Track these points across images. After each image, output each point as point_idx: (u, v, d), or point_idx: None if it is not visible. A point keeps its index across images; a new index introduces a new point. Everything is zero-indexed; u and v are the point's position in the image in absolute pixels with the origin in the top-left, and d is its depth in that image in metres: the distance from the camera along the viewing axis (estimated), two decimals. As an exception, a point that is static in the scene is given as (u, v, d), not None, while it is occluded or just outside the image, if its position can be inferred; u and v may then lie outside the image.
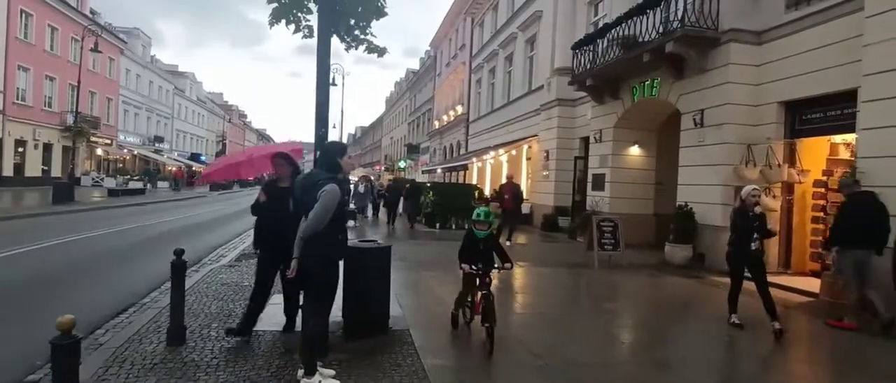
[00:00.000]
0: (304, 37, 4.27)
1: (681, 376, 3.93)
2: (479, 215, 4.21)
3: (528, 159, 18.29)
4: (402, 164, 44.60)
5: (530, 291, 7.05)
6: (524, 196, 16.89)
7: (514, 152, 18.80)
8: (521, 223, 15.22)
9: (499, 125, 21.18)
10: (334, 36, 4.23)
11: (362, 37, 4.36)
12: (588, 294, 7.28)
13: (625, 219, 10.20)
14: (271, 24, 4.27)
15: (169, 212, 17.53)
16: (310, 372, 3.18)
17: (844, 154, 7.55)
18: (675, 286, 7.50)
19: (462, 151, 27.01)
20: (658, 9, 9.39)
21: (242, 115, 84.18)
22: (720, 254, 8.28)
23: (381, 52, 4.43)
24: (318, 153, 3.86)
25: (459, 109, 28.18)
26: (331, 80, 24.84)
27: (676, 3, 9.00)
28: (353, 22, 4.24)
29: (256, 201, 4.18)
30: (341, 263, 4.22)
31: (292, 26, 4.28)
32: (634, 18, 10.11)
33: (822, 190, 7.74)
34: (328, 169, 3.41)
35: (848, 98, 6.56)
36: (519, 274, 8.06)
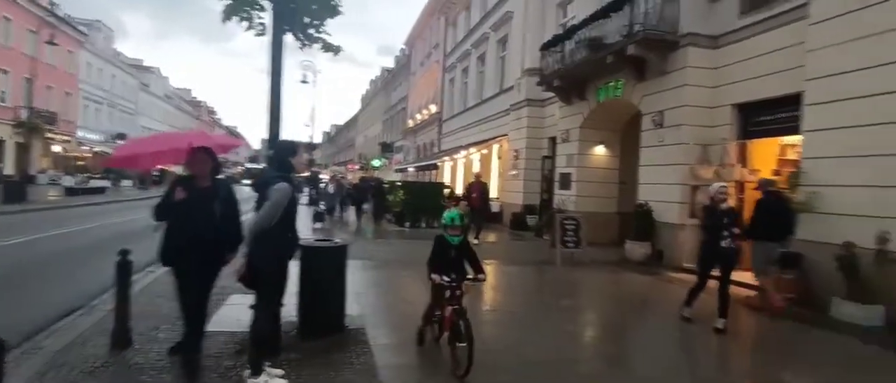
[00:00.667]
0: (258, 34, 4.23)
1: (632, 371, 4.06)
2: (452, 220, 3.74)
3: (499, 158, 18.46)
4: (376, 163, 44.28)
5: (494, 289, 7.14)
6: (494, 195, 17.13)
7: (485, 151, 18.94)
8: (490, 221, 15.37)
9: (471, 124, 21.31)
10: (289, 34, 4.20)
11: (317, 35, 4.35)
12: (548, 291, 7.42)
13: (590, 217, 10.45)
14: (224, 20, 4.21)
15: (131, 211, 16.97)
16: (256, 373, 3.16)
17: (792, 155, 7.91)
18: (632, 282, 7.72)
19: (435, 150, 27.04)
20: (622, 12, 9.63)
21: (212, 112, 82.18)
22: (677, 250, 8.64)
23: (336, 50, 4.41)
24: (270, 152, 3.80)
25: (433, 108, 28.20)
26: (303, 79, 24.23)
27: (638, 6, 9.24)
28: (307, 20, 4.22)
29: (165, 201, 3.33)
30: (297, 263, 4.25)
31: (245, 23, 4.22)
32: (600, 21, 10.35)
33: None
34: (279, 168, 3.40)
35: (794, 101, 6.87)
36: (490, 272, 8.15)
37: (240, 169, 55.91)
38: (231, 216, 3.40)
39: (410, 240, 11.97)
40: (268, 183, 3.24)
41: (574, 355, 4.32)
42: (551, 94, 13.25)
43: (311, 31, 4.28)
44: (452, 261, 3.70)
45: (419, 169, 27.24)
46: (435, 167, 24.58)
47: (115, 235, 10.77)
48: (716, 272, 5.12)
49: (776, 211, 5.81)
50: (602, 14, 10.27)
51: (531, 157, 15.08)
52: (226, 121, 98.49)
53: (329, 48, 4.42)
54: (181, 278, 3.33)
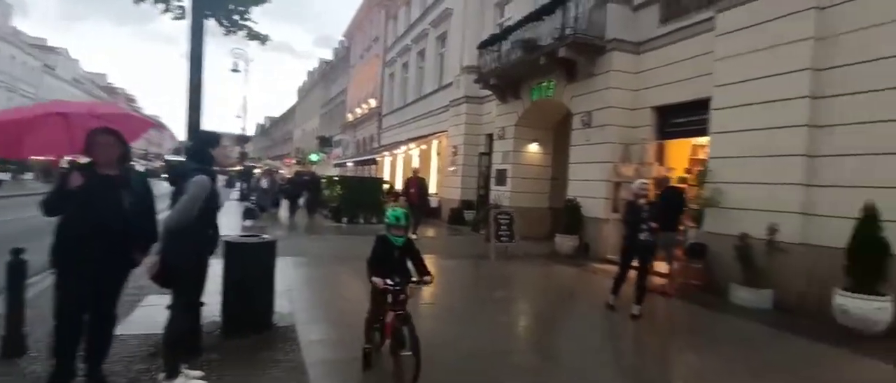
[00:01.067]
0: (176, 18, 3.99)
1: (558, 359, 4.28)
2: (397, 218, 3.43)
3: (438, 154, 18.60)
4: (314, 157, 43.01)
5: (431, 284, 7.22)
6: (433, 190, 17.26)
7: (424, 147, 19.00)
8: (428, 217, 15.46)
9: (410, 120, 21.29)
10: (212, 19, 4.00)
11: (242, 22, 4.17)
12: (482, 285, 7.60)
13: (524, 212, 10.84)
14: (137, 0, 3.92)
15: (31, 207, 15.33)
16: (171, 375, 3.01)
17: (701, 154, 8.63)
18: (561, 274, 8.10)
19: (375, 145, 26.74)
20: (554, 15, 10.04)
21: (130, 99, 75.92)
22: (603, 243, 9.17)
23: (264, 39, 4.26)
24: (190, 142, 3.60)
25: (373, 102, 27.85)
26: (234, 67, 23.02)
27: (570, 11, 9.67)
28: (231, 6, 4.04)
29: (57, 191, 2.81)
30: (220, 260, 4.08)
31: (162, 6, 3.96)
32: (534, 23, 10.72)
33: (684, 185, 8.78)
34: (199, 160, 3.24)
35: (704, 106, 7.48)
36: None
37: (160, 163, 50.48)
38: (144, 211, 3.03)
39: (347, 235, 11.79)
40: (186, 175, 3.08)
41: (507, 346, 4.42)
42: (489, 92, 13.54)
43: (236, 17, 4.10)
44: (396, 262, 3.42)
45: (358, 164, 26.83)
46: (374, 162, 24.33)
47: (10, 235, 9.71)
48: (636, 263, 5.50)
49: (674, 204, 6.52)
50: (536, 16, 10.65)
51: (469, 154, 15.34)
52: (148, 110, 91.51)
53: (256, 37, 4.25)
54: (74, 278, 2.76)
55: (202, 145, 3.31)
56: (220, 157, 3.40)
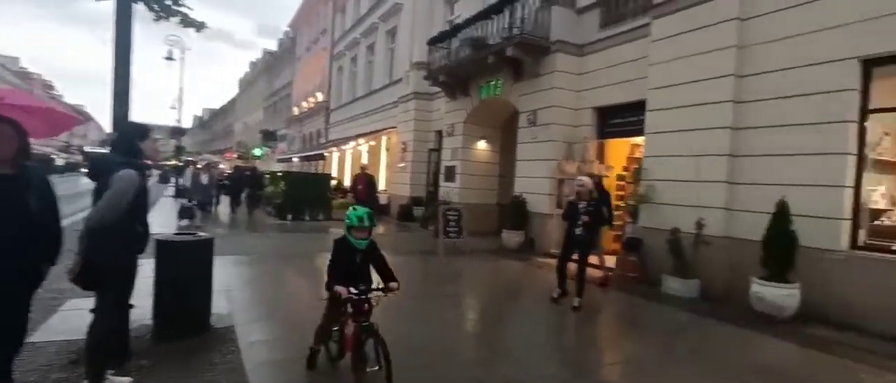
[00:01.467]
0: (100, -1, 3.70)
1: (503, 350, 4.38)
2: (360, 219, 3.10)
3: (387, 150, 18.44)
4: (257, 152, 41.36)
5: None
6: (382, 187, 17.12)
7: (373, 143, 18.80)
8: (377, 214, 15.25)
9: (359, 115, 20.97)
10: (141, 3, 3.74)
11: (175, 8, 3.93)
12: (431, 280, 7.65)
13: (472, 208, 10.98)
14: (55, -21, 3.59)
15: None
16: (96, 382, 2.82)
17: (638, 154, 9.12)
18: (506, 268, 8.30)
19: (322, 140, 26.11)
20: (502, 15, 10.22)
21: (48, 86, 69.61)
22: (547, 238, 9.46)
23: (199, 26, 4.03)
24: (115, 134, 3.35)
25: (320, 96, 27.15)
26: (168, 55, 21.69)
27: (517, 11, 9.87)
28: (163, -10, 3.79)
29: None
30: (152, 260, 3.85)
31: (84, -15, 3.65)
32: (483, 21, 10.86)
33: (623, 183, 9.27)
34: (125, 153, 3.04)
35: (640, 107, 7.89)
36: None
37: (79, 157, 45.79)
38: (45, 211, 2.59)
39: (292, 233, 11.45)
40: (110, 169, 2.88)
41: (454, 340, 4.50)
42: (438, 89, 13.58)
43: (169, 2, 3.86)
44: (358, 268, 3.14)
45: (305, 159, 26.09)
46: (322, 157, 23.75)
47: None
48: (575, 256, 5.76)
49: (605, 201, 6.94)
50: (484, 15, 10.79)
51: (419, 150, 15.33)
52: (69, 99, 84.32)
53: (191, 24, 4.00)
54: None
55: (129, 137, 3.11)
56: (150, 151, 3.21)
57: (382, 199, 16.51)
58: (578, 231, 5.64)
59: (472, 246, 9.48)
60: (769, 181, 5.87)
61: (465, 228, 9.43)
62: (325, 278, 3.17)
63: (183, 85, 24.73)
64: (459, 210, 9.60)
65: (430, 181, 14.98)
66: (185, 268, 3.98)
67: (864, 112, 5.34)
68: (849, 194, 5.32)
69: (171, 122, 26.19)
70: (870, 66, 5.29)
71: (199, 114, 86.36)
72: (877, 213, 5.51)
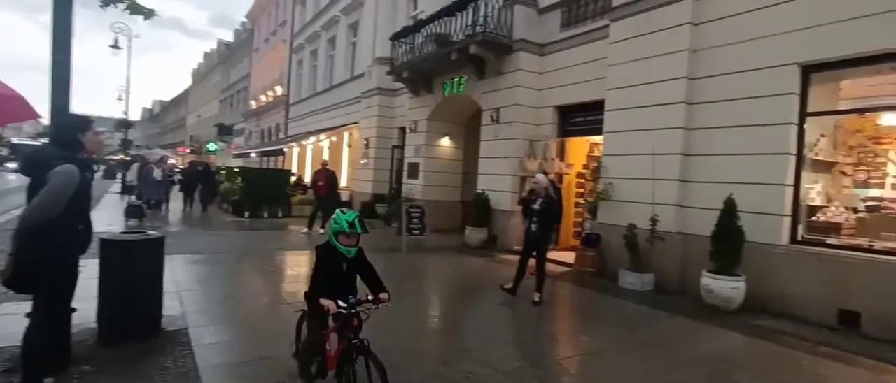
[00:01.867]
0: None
1: (462, 344, 4.39)
2: (351, 224, 2.79)
3: (350, 146, 18.16)
4: (212, 147, 39.79)
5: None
6: (344, 183, 16.83)
7: (335, 138, 18.45)
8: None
9: (321, 110, 20.53)
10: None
11: (122, -7, 3.70)
12: (393, 277, 7.55)
13: (436, 205, 10.99)
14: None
15: None
16: (32, 392, 2.63)
17: (597, 152, 9.37)
18: (469, 265, 8.35)
19: (281, 135, 25.40)
20: (466, 12, 10.23)
21: (-20, 74, 64.29)
22: (509, 234, 9.58)
23: (148, 14, 3.80)
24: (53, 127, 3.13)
25: (279, 90, 26.39)
26: (114, 43, 20.49)
27: (480, 9, 9.91)
28: (108, -27, 3.56)
29: None
30: (95, 261, 3.63)
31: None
32: (446, 18, 10.84)
33: (582, 180, 9.51)
34: (64, 146, 2.85)
35: (600, 106, 8.09)
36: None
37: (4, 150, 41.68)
38: None
39: (249, 231, 11.08)
40: (48, 164, 2.69)
41: (414, 335, 4.48)
42: (402, 85, 13.47)
43: (114, -13, 3.62)
44: (344, 278, 2.87)
45: (263, 154, 25.30)
46: (281, 153, 23.09)
47: None
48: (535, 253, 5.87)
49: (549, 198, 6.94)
50: (448, 12, 10.77)
51: (381, 146, 15.17)
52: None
53: (138, 11, 3.77)
54: None
55: (69, 131, 2.91)
56: (92, 144, 3.01)
57: (344, 196, 16.25)
58: (534, 227, 5.77)
59: (435, 242, 9.48)
60: (719, 179, 6.17)
61: (428, 225, 9.41)
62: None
63: (130, 75, 23.44)
64: (422, 207, 9.58)
65: (394, 178, 14.87)
66: (133, 269, 3.77)
67: (804, 115, 5.69)
68: (789, 192, 5.67)
69: (118, 114, 24.79)
70: (808, 71, 5.65)
71: (149, 106, 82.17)
72: (813, 210, 5.90)
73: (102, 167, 24.51)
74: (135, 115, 73.97)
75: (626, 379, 3.66)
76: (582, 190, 9.51)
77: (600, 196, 7.44)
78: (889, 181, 6.19)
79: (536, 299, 5.62)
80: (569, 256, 8.36)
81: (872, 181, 6.26)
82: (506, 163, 9.80)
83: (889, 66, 5.20)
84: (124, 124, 25.08)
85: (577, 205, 9.71)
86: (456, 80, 11.25)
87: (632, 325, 5.17)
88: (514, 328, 5.12)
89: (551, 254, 8.29)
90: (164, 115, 69.44)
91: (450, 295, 6.54)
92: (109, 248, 3.75)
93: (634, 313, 5.62)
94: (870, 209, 5.91)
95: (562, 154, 9.55)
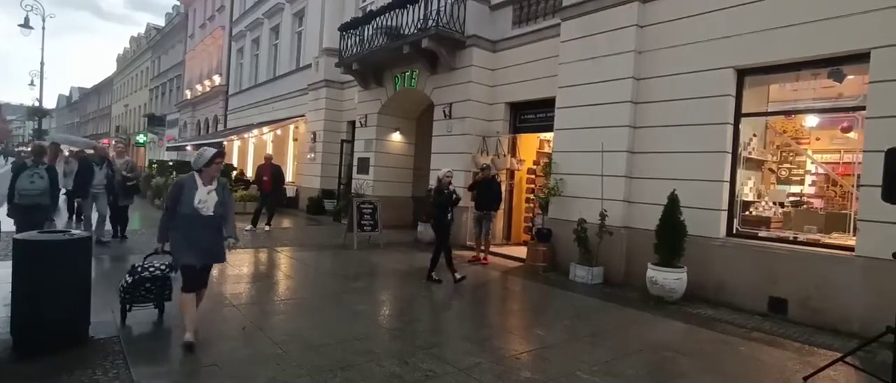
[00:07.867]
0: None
1: (410, 339, 4.30)
2: None
3: (295, 140, 17.51)
4: (141, 139, 37.06)
5: (287, 277, 6.74)
6: (290, 178, 16.20)
7: (279, 132, 17.73)
8: (284, 206, 14.51)
9: (264, 101, 19.59)
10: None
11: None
12: (342, 274, 7.36)
13: (387, 201, 10.78)
14: None
15: None
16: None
17: (547, 148, 9.58)
18: (421, 261, 8.22)
19: (220, 127, 24.05)
20: (418, 5, 10.08)
21: None
22: (461, 230, 9.59)
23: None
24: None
25: (217, 80, 24.93)
26: (24, 22, 18.45)
27: (431, 3, 9.81)
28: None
29: None
30: (9, 264, 3.20)
31: None
32: (397, 10, 10.63)
33: (533, 176, 9.68)
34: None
35: (550, 104, 8.24)
36: (281, 259, 7.64)
37: None
38: None
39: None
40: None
41: (363, 331, 4.31)
42: (351, 77, 13.11)
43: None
44: None
45: (198, 147, 23.82)
46: (221, 146, 21.86)
47: None
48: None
49: (489, 189, 8.11)
50: (400, 4, 10.57)
51: (330, 140, 14.73)
52: None
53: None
54: None
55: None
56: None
57: (290, 192, 15.65)
58: (450, 216, 6.67)
59: (387, 239, 9.31)
60: (663, 176, 6.47)
61: (381, 222, 9.22)
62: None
63: (45, 59, 21.26)
64: (375, 203, 9.37)
65: (343, 173, 14.48)
66: (54, 272, 3.38)
67: (739, 116, 6.08)
68: (726, 188, 6.05)
69: (30, 102, 22.45)
70: (743, 75, 6.03)
71: (67, 93, 75.20)
72: (747, 205, 6.33)
73: (11, 160, 22.04)
74: (50, 103, 67.49)
75: (579, 370, 3.73)
76: (533, 185, 9.69)
77: (551, 192, 7.59)
78: (808, 178, 6.77)
79: (458, 277, 6.48)
80: (521, 251, 8.49)
81: (794, 178, 6.82)
82: (457, 158, 9.78)
83: (809, 73, 5.67)
84: (38, 112, 22.70)
85: (527, 200, 9.88)
86: (407, 73, 11.09)
87: (583, 317, 5.31)
88: (471, 324, 5.09)
89: (504, 249, 8.43)
90: (85, 104, 63.68)
91: (400, 290, 6.42)
92: (24, 250, 3.35)
93: (585, 306, 5.77)
94: (794, 204, 6.43)
95: (513, 150, 9.66)
